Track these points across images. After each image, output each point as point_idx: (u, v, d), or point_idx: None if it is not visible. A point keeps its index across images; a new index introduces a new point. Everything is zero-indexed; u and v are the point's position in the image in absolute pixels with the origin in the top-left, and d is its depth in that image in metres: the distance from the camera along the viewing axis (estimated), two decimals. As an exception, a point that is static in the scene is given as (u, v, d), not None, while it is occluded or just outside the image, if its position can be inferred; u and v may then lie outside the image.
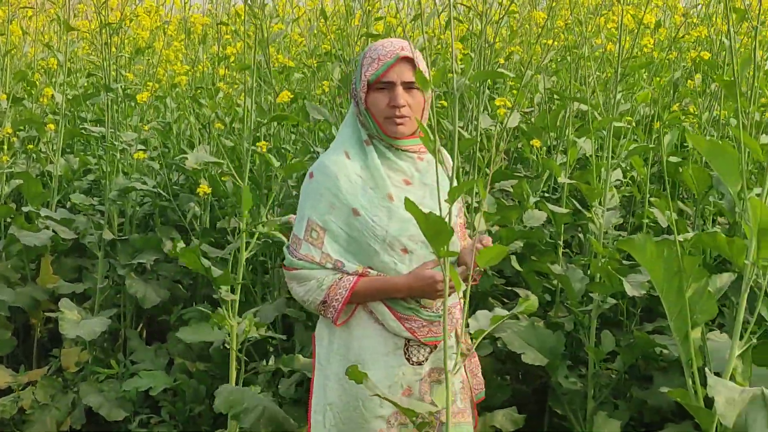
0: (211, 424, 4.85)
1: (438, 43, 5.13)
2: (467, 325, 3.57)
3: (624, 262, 4.20)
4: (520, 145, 5.30)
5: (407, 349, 3.18)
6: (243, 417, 3.90)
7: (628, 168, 4.87)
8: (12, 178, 5.57)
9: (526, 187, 4.74)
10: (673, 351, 3.96)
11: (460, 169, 4.53)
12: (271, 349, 4.85)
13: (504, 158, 5.37)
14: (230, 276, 3.83)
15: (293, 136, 5.60)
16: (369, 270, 3.13)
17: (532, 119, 5.27)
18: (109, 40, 5.15)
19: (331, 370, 3.22)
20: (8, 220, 5.47)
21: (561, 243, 4.70)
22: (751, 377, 3.12)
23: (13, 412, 5.06)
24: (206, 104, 4.84)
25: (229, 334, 4.00)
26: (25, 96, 6.26)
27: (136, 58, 5.92)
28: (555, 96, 5.27)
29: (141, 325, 5.59)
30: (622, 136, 4.70)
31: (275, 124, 5.33)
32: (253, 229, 4.05)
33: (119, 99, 5.40)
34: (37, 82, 6.13)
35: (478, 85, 4.43)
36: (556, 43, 5.29)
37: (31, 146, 5.79)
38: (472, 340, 2.97)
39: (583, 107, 4.78)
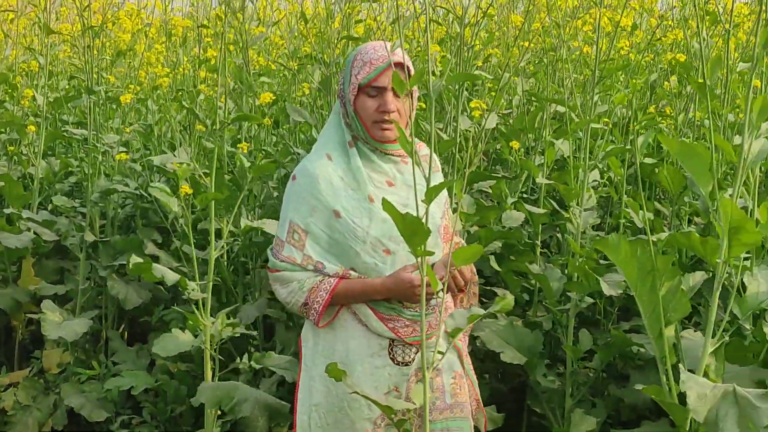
0: (192, 424, 4.87)
1: (417, 45, 5.17)
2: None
3: (601, 261, 4.24)
4: (498, 147, 5.34)
5: (392, 350, 3.21)
6: (238, 408, 3.86)
7: (605, 169, 4.92)
8: (-7, 180, 5.57)
9: (504, 188, 4.78)
10: (649, 349, 3.97)
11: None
12: (253, 350, 4.88)
13: (483, 159, 5.41)
14: (184, 279, 3.84)
15: (274, 138, 5.62)
16: (350, 272, 3.16)
17: (511, 121, 5.31)
18: (91, 43, 5.17)
19: (316, 371, 3.24)
20: (-11, 222, 5.48)
21: (539, 243, 4.74)
22: (724, 374, 3.18)
23: (-5, 414, 5.08)
24: (187, 106, 4.86)
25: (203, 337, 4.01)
26: (6, 98, 6.27)
27: (118, 61, 5.94)
28: (533, 98, 5.32)
29: (122, 326, 5.61)
30: (600, 138, 4.75)
31: (255, 126, 5.36)
32: (231, 229, 4.06)
33: (101, 101, 5.42)
34: (18, 85, 6.14)
35: (456, 87, 4.46)
36: (533, 45, 5.33)
37: (12, 148, 5.80)
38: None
39: (561, 109, 4.83)
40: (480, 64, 5.22)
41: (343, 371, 2.60)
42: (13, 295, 5.38)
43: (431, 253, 2.39)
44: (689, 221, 4.78)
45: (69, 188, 6.16)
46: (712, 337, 3.06)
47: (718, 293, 3.01)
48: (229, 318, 4.00)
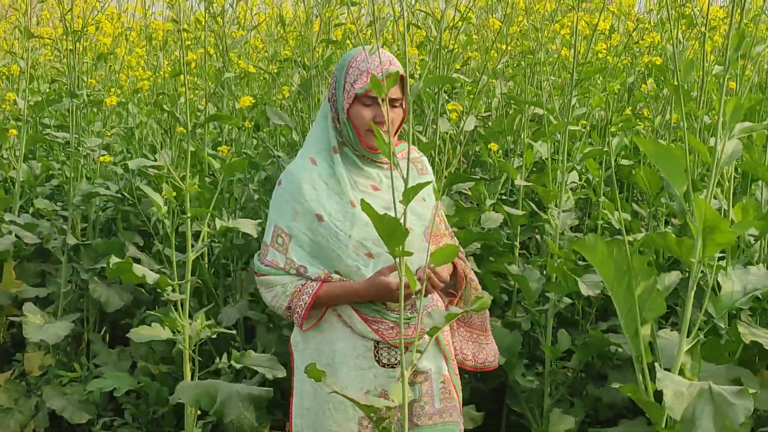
0: (173, 425, 4.89)
1: (397, 49, 5.20)
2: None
3: (579, 262, 4.27)
4: (477, 149, 5.37)
5: (377, 352, 3.23)
6: (226, 412, 3.78)
7: (583, 171, 4.95)
8: (-26, 184, 5.57)
9: (483, 190, 4.80)
10: (626, 349, 4.01)
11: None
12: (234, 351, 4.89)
13: (462, 161, 5.44)
14: (165, 279, 3.85)
15: (254, 141, 5.64)
16: (332, 275, 3.18)
17: (490, 123, 5.34)
18: (74, 47, 5.17)
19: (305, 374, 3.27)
20: (-30, 226, 5.47)
21: (518, 244, 4.77)
22: (700, 372, 3.22)
23: (-23, 417, 5.08)
24: (168, 109, 4.87)
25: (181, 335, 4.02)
26: (-13, 102, 6.27)
27: (98, 64, 5.94)
28: (512, 101, 5.35)
29: (104, 328, 5.61)
30: (578, 140, 4.79)
31: (236, 129, 5.38)
32: (208, 230, 4.08)
33: (83, 105, 5.43)
34: (-2, 89, 6.15)
35: (435, 90, 4.49)
36: (511, 48, 5.37)
37: (-7, 152, 5.80)
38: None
39: (539, 111, 4.86)
40: (458, 67, 5.25)
41: (323, 372, 2.62)
42: (-6, 298, 5.38)
43: (410, 254, 2.40)
44: (666, 222, 4.82)
45: (50, 191, 6.14)
46: (688, 336, 3.09)
47: (693, 293, 3.04)
48: (208, 318, 4.01)
